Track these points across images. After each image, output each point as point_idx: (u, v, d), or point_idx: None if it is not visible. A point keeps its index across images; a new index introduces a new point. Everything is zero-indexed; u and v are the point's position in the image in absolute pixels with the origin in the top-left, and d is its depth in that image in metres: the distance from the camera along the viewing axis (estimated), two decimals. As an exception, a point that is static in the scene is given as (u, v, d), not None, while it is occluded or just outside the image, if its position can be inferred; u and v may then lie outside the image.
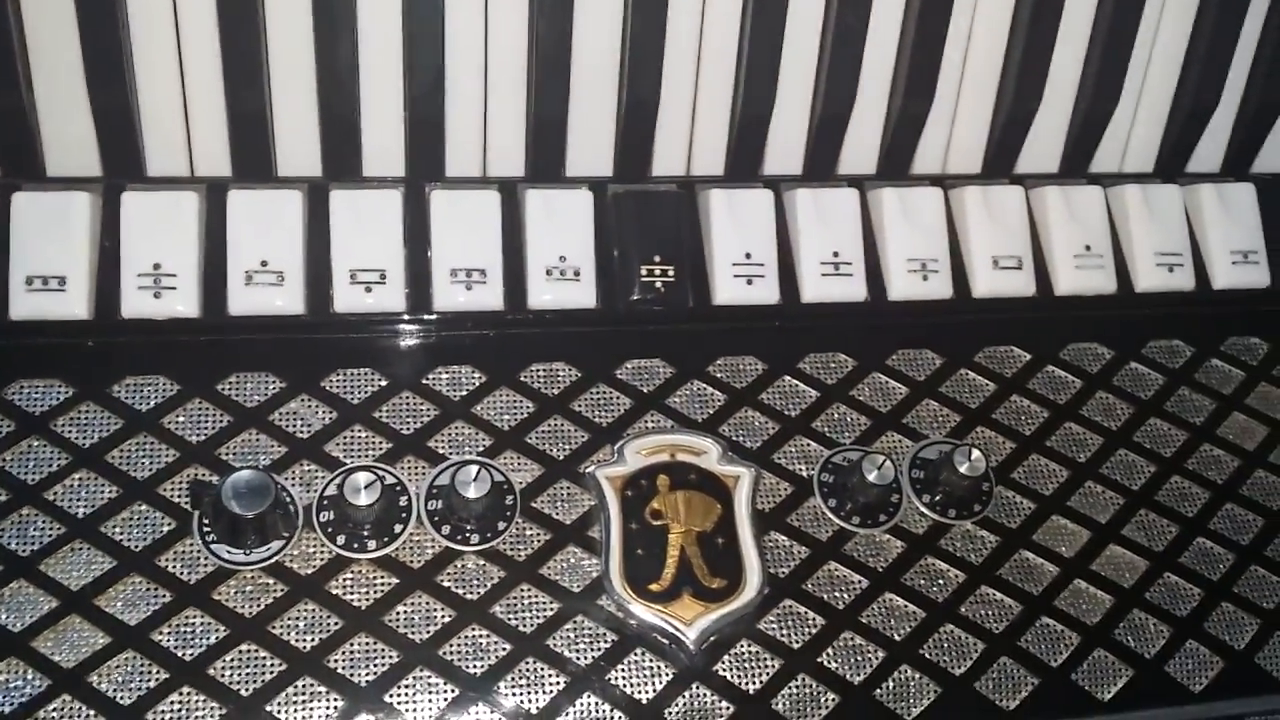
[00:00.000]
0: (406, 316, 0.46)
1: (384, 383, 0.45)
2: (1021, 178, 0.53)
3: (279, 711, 0.38)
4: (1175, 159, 0.55)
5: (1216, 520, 0.47)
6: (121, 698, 0.38)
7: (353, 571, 0.41)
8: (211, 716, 0.38)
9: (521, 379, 0.45)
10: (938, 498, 0.46)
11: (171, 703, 0.38)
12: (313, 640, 0.40)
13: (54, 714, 0.38)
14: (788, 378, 0.47)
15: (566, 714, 0.40)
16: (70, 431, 0.42)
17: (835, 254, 0.49)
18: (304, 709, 0.39)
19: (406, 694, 0.39)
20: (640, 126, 0.48)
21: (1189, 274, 0.52)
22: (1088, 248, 0.51)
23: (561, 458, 0.44)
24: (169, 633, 0.39)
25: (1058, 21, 0.50)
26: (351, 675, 0.39)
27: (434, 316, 0.46)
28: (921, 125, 0.51)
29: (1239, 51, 0.53)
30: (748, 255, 0.48)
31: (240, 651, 0.39)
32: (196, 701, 0.38)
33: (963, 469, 0.45)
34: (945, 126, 0.52)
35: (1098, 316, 0.51)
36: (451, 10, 0.45)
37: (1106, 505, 0.47)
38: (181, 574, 0.40)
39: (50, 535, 0.40)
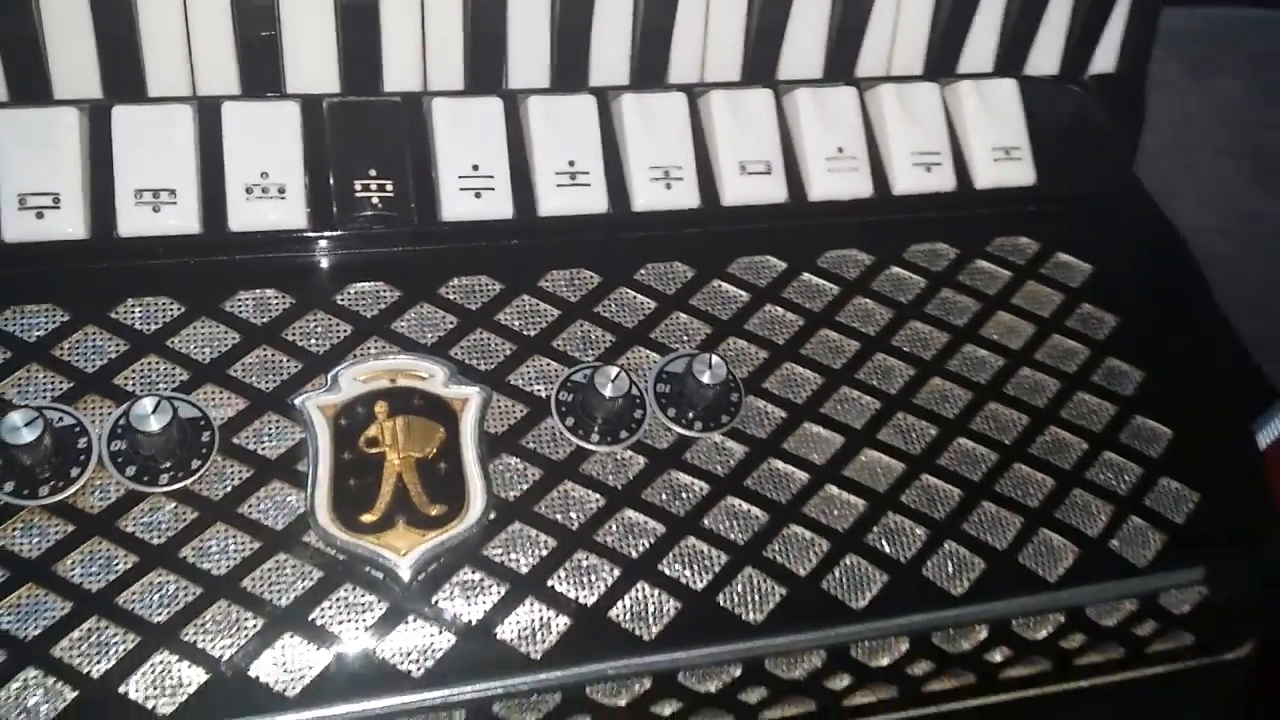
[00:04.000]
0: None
1: (66, 318, 0.41)
2: (778, 83, 0.51)
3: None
4: (943, 61, 0.53)
5: (977, 421, 0.46)
6: None
7: (21, 521, 0.37)
8: None
9: (224, 308, 0.42)
10: (682, 410, 0.43)
11: None
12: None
13: None
14: (526, 296, 0.45)
15: (263, 658, 0.37)
16: None
17: (571, 164, 0.46)
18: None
19: (79, 647, 0.36)
20: (361, 35, 0.45)
21: (949, 174, 0.50)
22: (840, 150, 0.49)
23: (269, 390, 0.41)
24: None
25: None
26: (16, 630, 0.36)
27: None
28: (669, 35, 0.48)
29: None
30: (475, 167, 0.45)
31: None
32: None
33: (704, 378, 0.42)
34: (699, 34, 0.50)
35: (854, 222, 0.49)
36: None
37: (862, 411, 0.45)
38: None
39: None
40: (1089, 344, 0.48)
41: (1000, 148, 0.51)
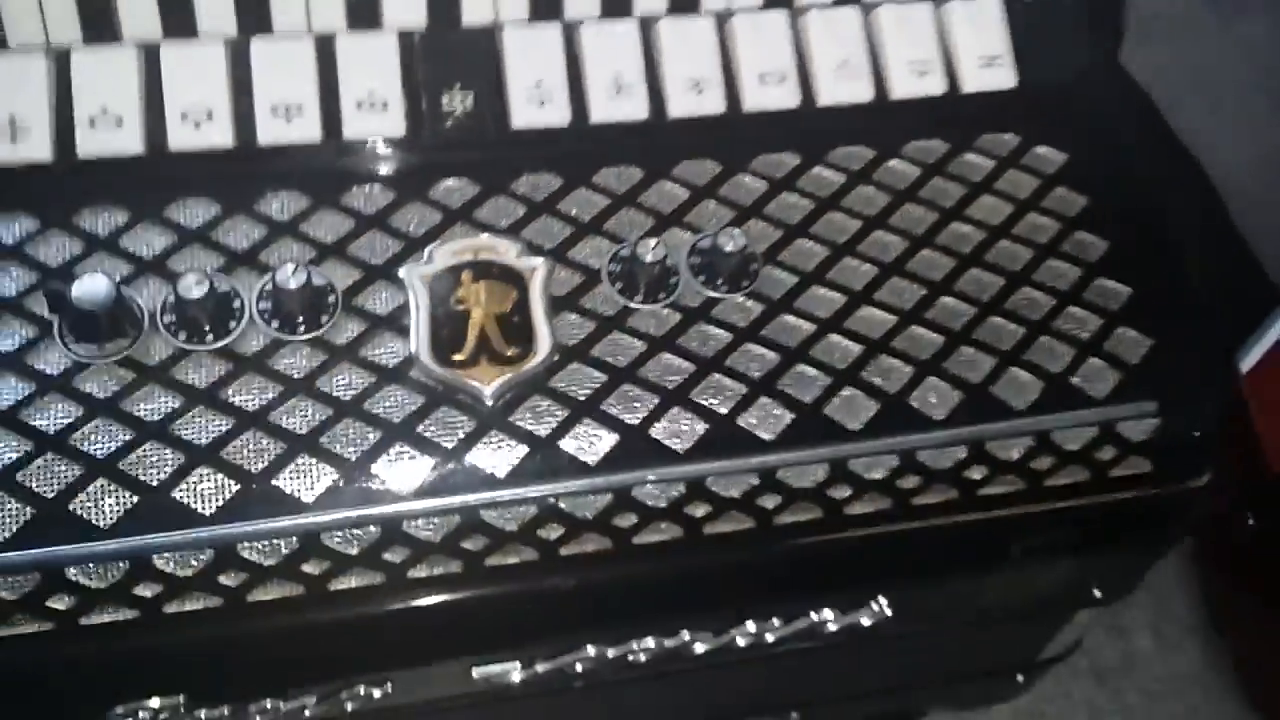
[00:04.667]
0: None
1: (219, 209, 0.52)
2: (793, 6, 0.59)
3: (133, 470, 0.46)
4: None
5: (959, 284, 0.54)
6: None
7: (192, 362, 0.49)
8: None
9: (341, 201, 0.53)
10: (711, 277, 0.53)
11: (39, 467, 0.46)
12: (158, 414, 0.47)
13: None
14: (582, 189, 0.55)
15: (379, 461, 0.47)
16: None
17: (618, 78, 0.56)
18: (151, 469, 0.46)
19: (242, 452, 0.47)
20: None
21: (940, 80, 0.59)
22: (845, 62, 0.58)
23: (379, 264, 0.51)
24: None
25: None
26: (193, 439, 0.47)
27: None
28: None
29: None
30: (538, 84, 0.55)
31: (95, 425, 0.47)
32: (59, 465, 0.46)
33: (727, 248, 0.52)
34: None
35: (859, 124, 0.58)
36: None
37: (861, 277, 0.54)
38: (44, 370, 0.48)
39: None
40: (1060, 220, 0.57)
41: (985, 56, 0.59)
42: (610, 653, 0.55)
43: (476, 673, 0.54)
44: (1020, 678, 0.72)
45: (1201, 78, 1.29)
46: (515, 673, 0.55)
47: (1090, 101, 0.60)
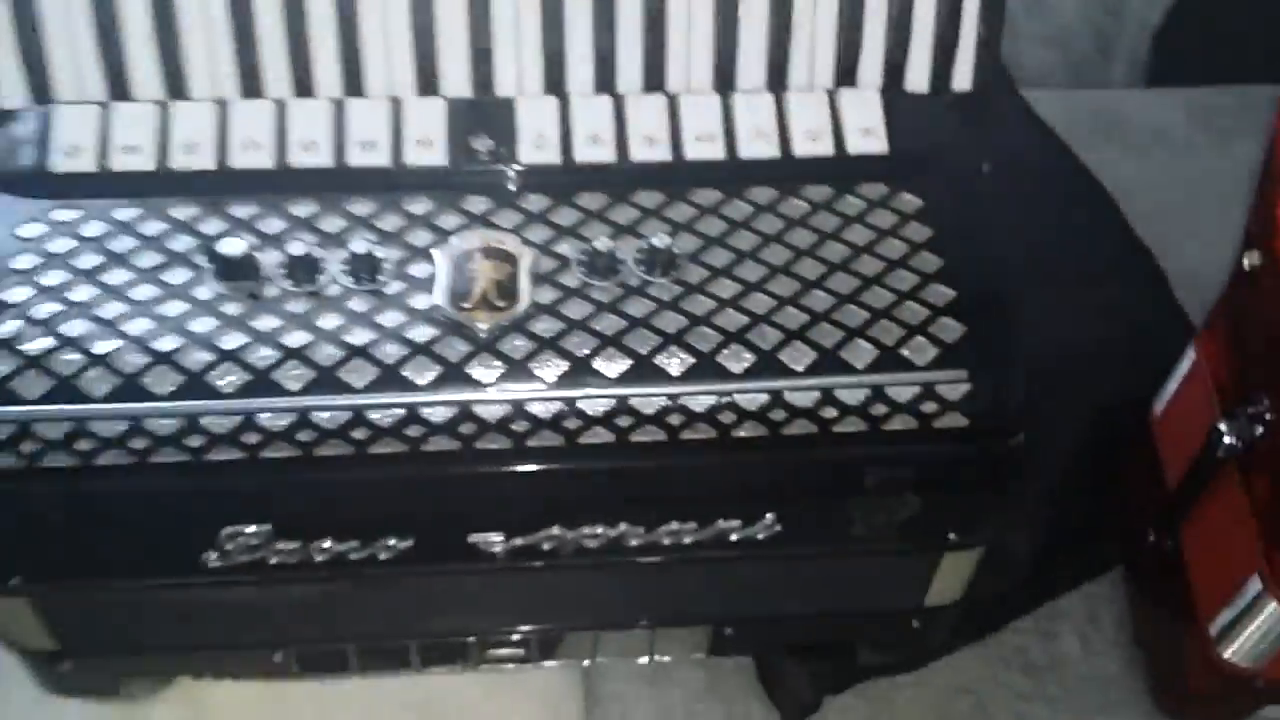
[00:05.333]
0: None
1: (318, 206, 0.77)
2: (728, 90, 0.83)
3: (248, 358, 0.70)
4: (842, 79, 0.85)
5: (829, 281, 0.75)
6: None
7: (291, 297, 0.73)
8: None
9: (403, 206, 0.77)
10: (637, 267, 0.75)
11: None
12: (268, 328, 0.72)
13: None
14: (565, 206, 0.79)
15: (408, 365, 0.71)
16: None
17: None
18: (260, 359, 0.70)
19: (315, 354, 0.71)
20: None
21: (829, 143, 0.82)
22: (759, 129, 0.81)
23: (420, 246, 0.76)
24: None
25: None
26: (290, 344, 0.71)
27: None
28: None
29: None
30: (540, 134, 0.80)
31: None
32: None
33: (660, 246, 0.74)
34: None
35: (767, 173, 0.81)
36: None
37: (755, 272, 0.75)
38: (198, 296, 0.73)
39: None
40: (910, 244, 0.78)
41: (863, 128, 0.82)
42: (569, 535, 0.76)
43: (471, 538, 0.76)
44: (916, 623, 0.90)
45: (1191, 190, 1.48)
46: (497, 544, 0.76)
47: (945, 164, 0.83)
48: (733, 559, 0.80)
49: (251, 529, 0.72)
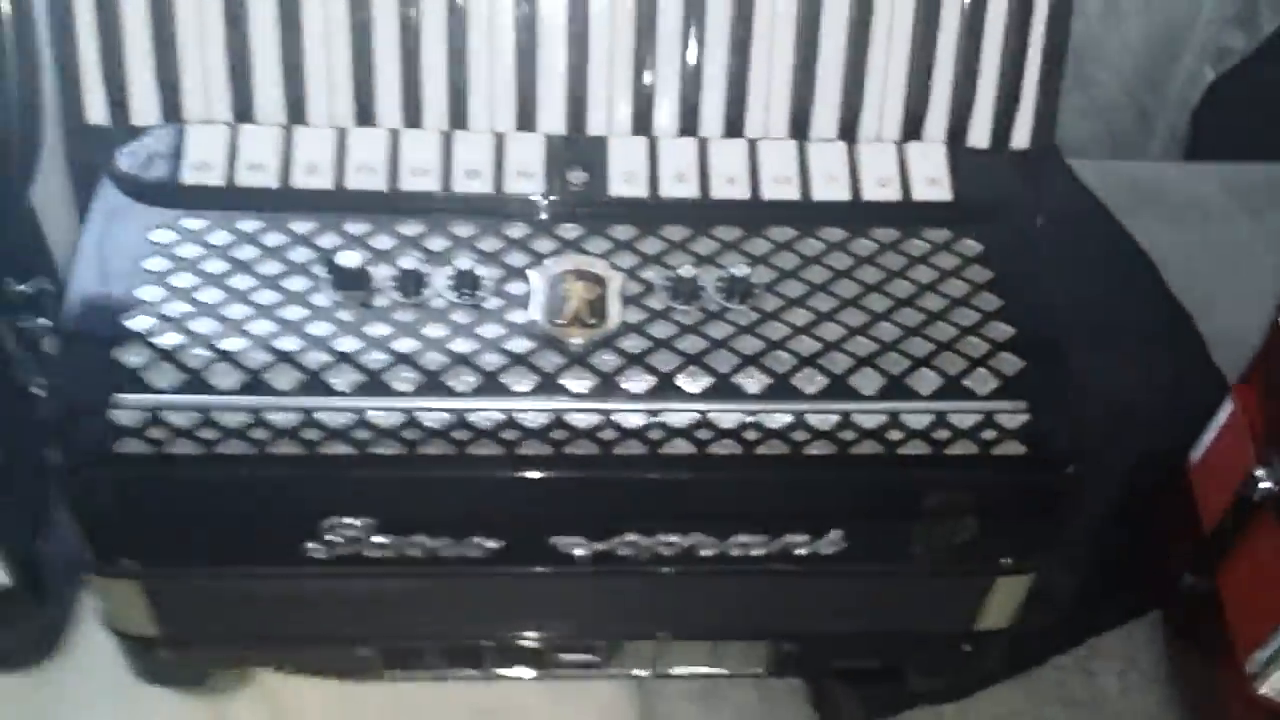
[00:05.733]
0: None
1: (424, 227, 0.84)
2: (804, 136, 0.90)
3: (361, 360, 0.76)
4: (908, 134, 0.91)
5: (895, 314, 0.81)
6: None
7: (400, 307, 0.79)
8: None
9: (503, 231, 0.84)
10: (717, 294, 0.81)
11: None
12: (379, 335, 0.78)
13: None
14: (650, 236, 0.85)
15: (507, 374, 0.76)
16: None
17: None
18: (372, 363, 0.76)
19: (421, 359, 0.76)
20: None
21: (898, 190, 0.88)
22: (833, 175, 0.88)
23: (518, 267, 0.82)
24: None
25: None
26: (400, 350, 0.77)
27: None
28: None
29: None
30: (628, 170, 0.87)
31: None
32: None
33: (739, 275, 0.80)
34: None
35: (838, 215, 0.87)
36: None
37: (826, 304, 0.81)
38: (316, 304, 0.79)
39: None
40: (971, 284, 0.83)
41: (929, 177, 0.88)
42: (645, 542, 0.81)
43: (554, 541, 0.81)
44: (966, 647, 0.94)
45: (1226, 258, 1.53)
46: (579, 547, 0.81)
47: (1004, 215, 0.89)
48: (797, 574, 0.84)
49: (353, 520, 0.78)
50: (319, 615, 0.86)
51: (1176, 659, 1.11)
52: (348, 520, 0.78)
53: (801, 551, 0.83)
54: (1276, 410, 0.98)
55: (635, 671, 0.94)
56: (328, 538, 0.79)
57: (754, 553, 0.82)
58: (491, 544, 0.80)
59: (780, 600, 0.89)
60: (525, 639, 0.89)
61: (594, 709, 1.01)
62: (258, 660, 0.95)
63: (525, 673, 0.93)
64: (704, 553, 0.82)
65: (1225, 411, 1.06)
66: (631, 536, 0.81)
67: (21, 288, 0.90)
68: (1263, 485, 0.94)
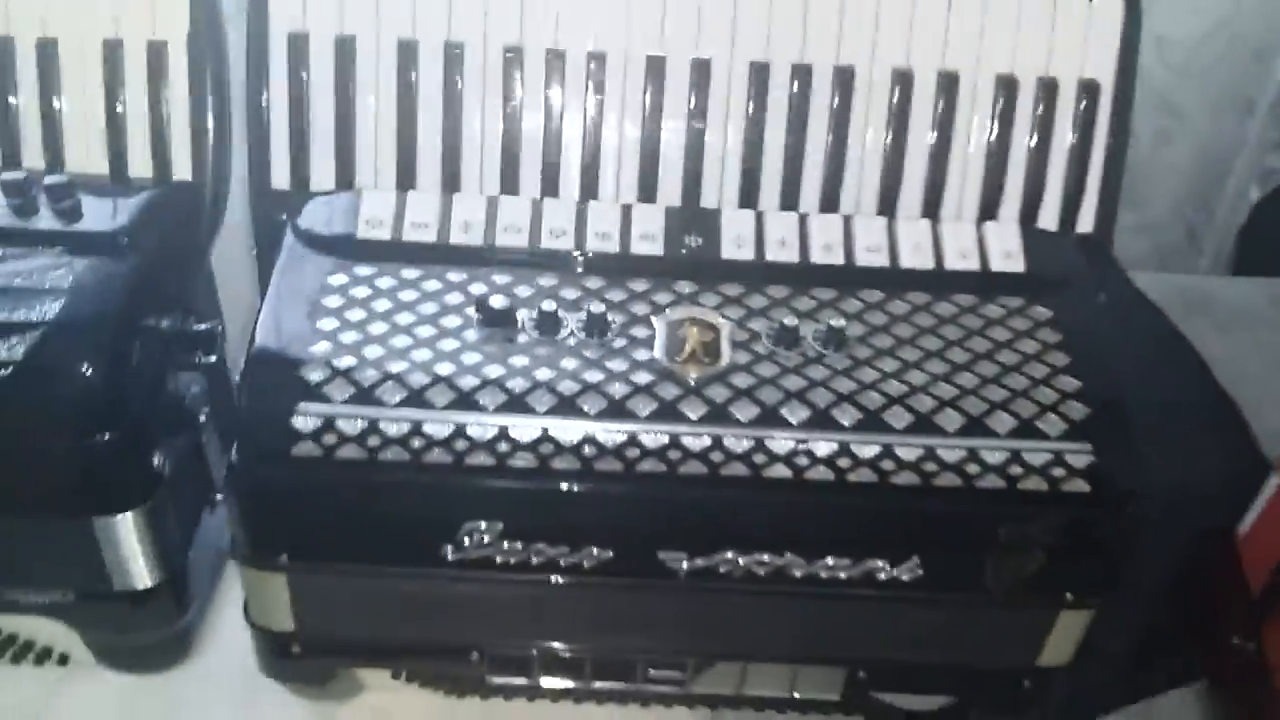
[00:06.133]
0: None
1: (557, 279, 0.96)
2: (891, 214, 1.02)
3: (509, 384, 0.88)
4: (985, 214, 1.03)
5: (975, 366, 0.91)
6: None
7: (538, 343, 0.91)
8: None
9: (629, 285, 0.96)
10: (814, 342, 0.92)
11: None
12: (519, 365, 0.90)
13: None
14: (756, 294, 0.97)
15: (632, 400, 0.87)
16: None
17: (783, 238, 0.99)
18: (512, 386, 0.88)
19: (558, 385, 0.88)
20: None
21: (976, 261, 0.99)
22: (918, 245, 0.99)
23: (641, 315, 0.94)
24: None
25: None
26: (538, 379, 0.89)
27: None
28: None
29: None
30: (738, 237, 0.99)
31: None
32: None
33: (836, 326, 0.92)
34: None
35: (922, 281, 0.98)
36: None
37: (913, 355, 0.92)
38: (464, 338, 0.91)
39: None
40: (1042, 344, 0.94)
41: (1005, 251, 1.00)
42: (741, 560, 0.90)
43: (660, 554, 0.90)
44: (1027, 683, 1.00)
45: (1272, 362, 1.62)
46: (683, 561, 0.91)
47: (1071, 288, 0.99)
48: (877, 599, 0.93)
49: (486, 525, 0.88)
50: (442, 619, 0.96)
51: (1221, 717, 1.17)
52: (483, 524, 0.88)
53: (882, 576, 0.91)
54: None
55: (718, 690, 1.02)
56: (464, 541, 0.89)
57: (840, 575, 0.91)
58: (604, 554, 0.90)
59: (858, 626, 0.96)
60: (622, 652, 0.98)
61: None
62: (380, 662, 1.04)
63: (617, 686, 1.01)
64: (794, 573, 0.91)
65: (1271, 485, 1.15)
66: (730, 554, 0.90)
67: (201, 327, 1.04)
68: (1305, 547, 1.01)
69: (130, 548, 0.97)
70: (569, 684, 1.01)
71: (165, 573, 1.02)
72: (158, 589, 1.02)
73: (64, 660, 1.10)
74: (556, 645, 0.99)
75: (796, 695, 1.02)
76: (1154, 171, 1.80)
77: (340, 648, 1.00)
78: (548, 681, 1.02)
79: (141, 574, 1.00)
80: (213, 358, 1.05)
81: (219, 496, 1.10)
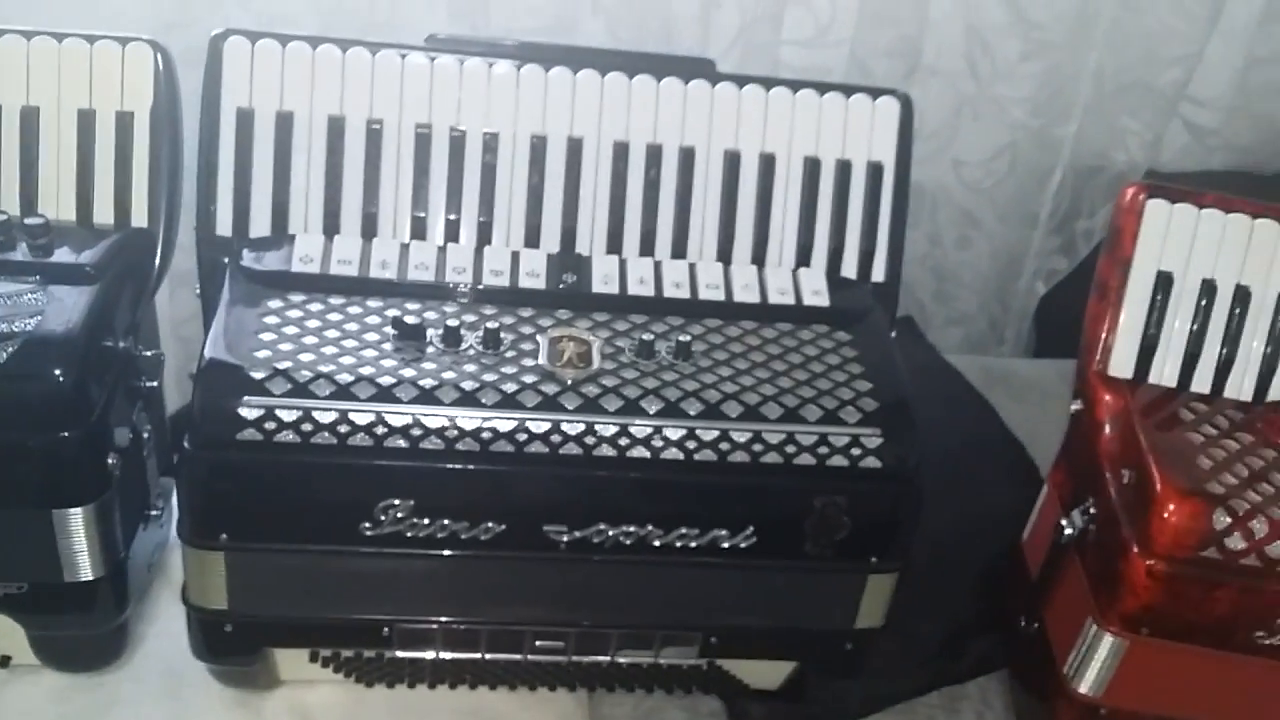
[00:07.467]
0: None
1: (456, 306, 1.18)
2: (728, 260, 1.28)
3: (421, 381, 1.08)
4: (800, 262, 1.30)
5: (789, 373, 1.16)
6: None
7: (463, 356, 1.12)
8: None
9: (515, 311, 1.19)
10: (666, 354, 1.16)
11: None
12: (418, 373, 1.10)
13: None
14: (619, 320, 1.20)
15: (521, 394, 1.09)
16: None
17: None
18: (412, 383, 1.09)
19: (431, 379, 1.09)
20: None
21: (792, 297, 1.25)
22: (746, 285, 1.25)
23: (525, 334, 1.16)
24: None
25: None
26: (425, 382, 1.09)
27: None
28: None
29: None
30: (606, 275, 1.23)
31: None
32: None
33: (681, 341, 1.16)
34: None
35: (749, 313, 1.23)
36: None
37: (732, 366, 1.16)
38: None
39: None
40: (842, 358, 1.19)
41: (813, 290, 1.25)
42: (611, 531, 1.11)
43: (545, 528, 1.10)
44: (849, 645, 1.23)
45: (1058, 425, 1.90)
46: (564, 535, 1.11)
47: (866, 322, 1.26)
48: (722, 565, 1.14)
49: (400, 502, 1.07)
50: (358, 595, 1.13)
51: (1019, 699, 1.41)
52: (397, 502, 1.07)
53: (725, 545, 1.13)
54: (1074, 482, 1.33)
55: (595, 656, 1.21)
56: (380, 517, 1.08)
57: (691, 544, 1.13)
58: (498, 528, 1.10)
59: (708, 592, 1.17)
60: (513, 623, 1.17)
61: (555, 715, 1.27)
62: (301, 640, 1.20)
63: (510, 658, 1.19)
64: (654, 543, 1.12)
65: (1043, 494, 1.42)
66: (602, 525, 1.11)
67: (147, 353, 1.22)
68: (1066, 531, 1.27)
69: (80, 541, 1.12)
70: (468, 656, 1.19)
71: (108, 567, 1.16)
72: (101, 583, 1.16)
73: (5, 662, 1.21)
74: (457, 619, 1.17)
75: (661, 662, 1.21)
76: (960, 271, 2.12)
77: (267, 626, 1.16)
78: (447, 654, 1.19)
79: (88, 567, 1.14)
80: (155, 383, 1.23)
81: (154, 512, 1.26)
